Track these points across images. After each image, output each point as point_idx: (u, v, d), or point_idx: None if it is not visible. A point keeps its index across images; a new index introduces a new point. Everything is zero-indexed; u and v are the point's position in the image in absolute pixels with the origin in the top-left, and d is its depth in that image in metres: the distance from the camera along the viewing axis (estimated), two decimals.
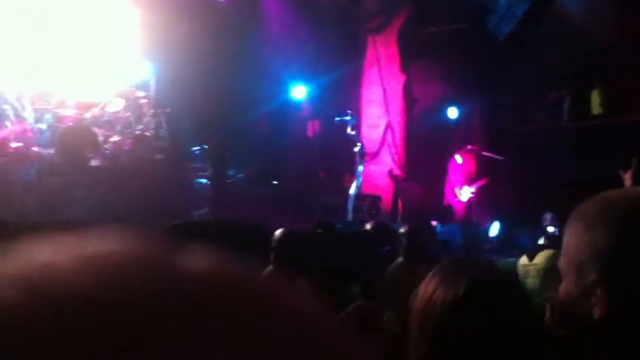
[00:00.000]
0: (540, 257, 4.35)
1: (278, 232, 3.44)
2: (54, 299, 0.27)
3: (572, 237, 0.90)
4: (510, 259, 5.91)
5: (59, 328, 0.26)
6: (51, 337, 0.26)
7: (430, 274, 1.17)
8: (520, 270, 4.72)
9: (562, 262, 0.93)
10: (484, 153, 9.66)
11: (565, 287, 0.91)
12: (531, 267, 4.45)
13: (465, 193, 9.38)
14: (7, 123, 7.22)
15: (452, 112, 10.45)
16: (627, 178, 3.40)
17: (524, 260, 4.65)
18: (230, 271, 0.32)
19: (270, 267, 3.25)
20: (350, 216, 8.77)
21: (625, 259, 0.84)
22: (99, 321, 0.26)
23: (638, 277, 0.84)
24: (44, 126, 7.31)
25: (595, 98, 9.96)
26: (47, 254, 0.29)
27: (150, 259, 0.30)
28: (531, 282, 4.38)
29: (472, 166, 9.57)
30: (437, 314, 1.11)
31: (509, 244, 7.61)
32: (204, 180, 8.61)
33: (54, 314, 0.26)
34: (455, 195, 9.43)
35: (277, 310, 0.30)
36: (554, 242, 4.51)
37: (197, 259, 0.31)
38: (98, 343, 0.26)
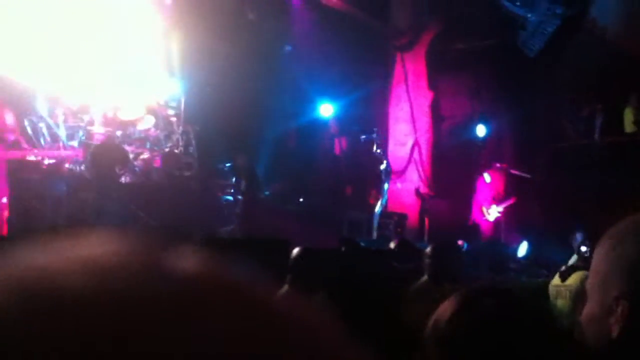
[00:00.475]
0: (573, 279, 4.25)
1: (295, 250, 3.43)
2: (47, 301, 0.27)
3: (600, 257, 0.89)
4: (540, 280, 5.80)
5: (52, 330, 0.26)
6: (45, 339, 0.26)
7: (448, 300, 1.15)
8: (552, 290, 4.61)
9: (589, 282, 0.92)
10: (513, 171, 9.52)
11: (589, 307, 0.89)
12: (563, 288, 4.35)
13: (493, 212, 9.24)
14: (42, 140, 7.43)
15: (481, 130, 10.35)
16: None
17: (556, 280, 4.54)
18: (218, 274, 0.32)
19: (286, 286, 3.24)
20: (375, 234, 8.72)
21: None
22: (91, 323, 0.26)
23: None
24: (75, 143, 7.49)
25: (629, 115, 9.75)
26: (41, 257, 0.29)
27: (140, 262, 0.31)
28: (561, 303, 4.27)
29: (500, 185, 9.44)
30: (450, 341, 1.10)
31: (538, 264, 7.46)
32: (230, 197, 8.69)
33: (47, 315, 0.27)
34: (482, 214, 9.30)
35: (262, 314, 0.30)
36: (587, 262, 4.41)
37: (186, 261, 0.31)
38: (90, 345, 0.26)
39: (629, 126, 9.69)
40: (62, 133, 7.50)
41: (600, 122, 10.11)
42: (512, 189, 9.45)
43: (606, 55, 10.14)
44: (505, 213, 9.29)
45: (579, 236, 7.80)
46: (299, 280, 3.21)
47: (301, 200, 9.95)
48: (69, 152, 7.48)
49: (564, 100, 10.57)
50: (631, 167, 8.91)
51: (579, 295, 3.90)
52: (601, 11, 10.14)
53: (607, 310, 0.84)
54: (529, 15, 9.60)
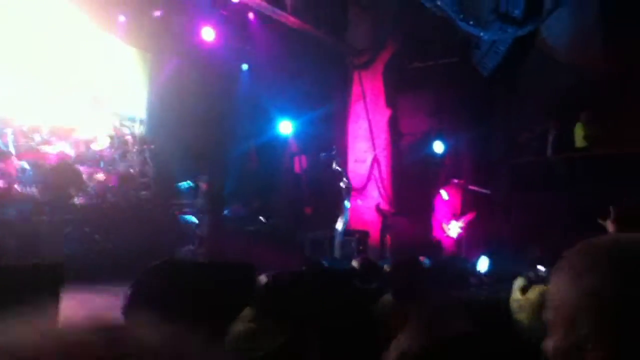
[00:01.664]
0: (533, 292, 4.30)
1: (261, 278, 3.34)
2: None
3: (560, 289, 0.86)
4: (501, 294, 5.85)
5: None
6: None
7: (410, 329, 1.12)
8: (514, 305, 4.65)
9: (549, 315, 0.88)
10: (471, 187, 9.66)
11: (556, 340, 0.86)
12: (524, 302, 4.39)
13: (454, 228, 9.33)
14: None
15: (439, 146, 10.49)
16: (609, 225, 3.37)
17: (516, 295, 4.59)
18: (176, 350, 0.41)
19: (250, 309, 3.15)
20: (337, 252, 8.68)
21: (621, 310, 0.79)
22: None
23: (634, 330, 0.79)
24: (25, 163, 7.22)
25: (579, 131, 10.05)
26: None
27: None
28: (524, 316, 4.31)
29: (458, 201, 9.55)
30: None
31: (499, 279, 7.54)
32: (190, 217, 8.53)
33: None
34: (443, 231, 9.38)
35: None
36: (545, 277, 4.47)
37: (152, 336, 0.40)
38: None
39: (579, 141, 9.97)
40: (12, 153, 7.22)
41: (552, 138, 10.38)
42: (471, 204, 9.57)
43: (557, 73, 10.47)
44: (466, 229, 9.39)
45: (534, 250, 7.95)
46: (266, 311, 3.12)
47: (262, 219, 9.85)
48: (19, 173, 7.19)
49: (520, 117, 10.83)
50: (583, 182, 9.17)
51: (540, 309, 3.93)
52: (550, 31, 10.48)
53: (576, 346, 0.82)
54: (482, 35, 9.83)
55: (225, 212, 9.20)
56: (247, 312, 3.11)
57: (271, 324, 2.94)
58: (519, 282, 4.22)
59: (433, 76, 10.73)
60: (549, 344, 0.86)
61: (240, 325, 3.00)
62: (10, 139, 7.22)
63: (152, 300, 3.96)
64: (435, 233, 9.44)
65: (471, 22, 9.58)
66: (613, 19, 10.01)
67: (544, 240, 7.76)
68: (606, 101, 9.90)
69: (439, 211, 9.50)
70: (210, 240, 8.13)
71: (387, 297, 4.00)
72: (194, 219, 8.50)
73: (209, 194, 8.51)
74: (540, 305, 3.96)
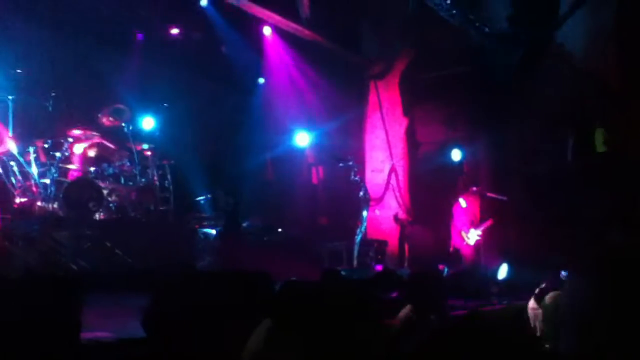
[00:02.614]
0: (548, 300, 4.26)
1: (278, 285, 3.37)
2: None
3: (577, 295, 0.86)
4: (521, 303, 5.79)
5: None
6: None
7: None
8: (530, 314, 4.61)
9: (564, 320, 0.89)
10: (488, 194, 9.61)
11: (570, 348, 0.86)
12: (539, 311, 4.36)
13: (473, 236, 9.28)
14: (13, 179, 7.27)
15: (456, 154, 10.45)
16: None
17: (532, 303, 4.55)
18: None
19: (267, 321, 3.17)
20: (355, 262, 8.67)
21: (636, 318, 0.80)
22: None
23: None
24: (48, 181, 7.34)
25: (599, 136, 9.96)
26: None
27: None
28: (540, 325, 4.28)
29: (476, 208, 9.51)
30: None
31: (518, 287, 7.47)
32: (209, 230, 8.59)
33: None
34: (462, 239, 9.33)
35: None
36: (559, 283, 4.43)
37: None
38: None
39: (599, 146, 9.88)
40: (34, 171, 7.35)
41: (572, 143, 10.30)
42: (489, 211, 9.52)
43: (574, 78, 10.39)
44: (484, 236, 9.33)
45: (552, 259, 7.85)
46: (282, 316, 3.13)
47: (280, 230, 9.89)
48: (41, 189, 7.32)
49: (537, 123, 10.76)
50: (603, 186, 9.06)
51: (555, 315, 3.91)
52: (567, 36, 10.42)
53: (592, 352, 0.82)
54: (497, 42, 9.82)
55: (244, 224, 9.25)
56: (266, 322, 3.13)
57: (288, 335, 2.95)
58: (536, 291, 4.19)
59: (448, 85, 10.72)
60: (564, 348, 0.87)
61: (258, 336, 3.02)
62: (32, 157, 7.36)
63: (172, 312, 4.00)
64: (454, 241, 9.40)
65: (486, 30, 9.58)
66: (629, 24, 9.93)
67: (564, 247, 7.68)
68: (624, 106, 9.80)
69: (458, 219, 9.47)
70: (226, 252, 8.18)
71: (407, 310, 3.98)
72: (212, 232, 8.56)
73: (224, 207, 8.59)
74: (554, 311, 3.92)
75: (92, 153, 7.89)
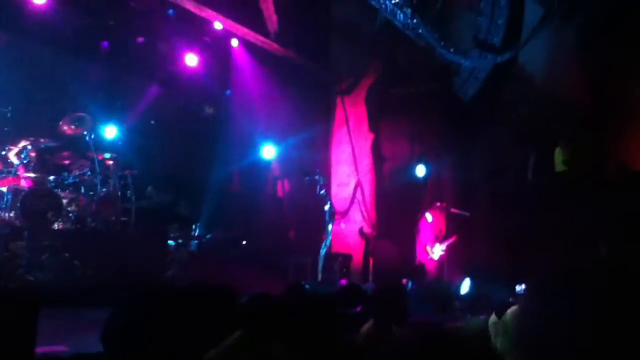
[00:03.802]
0: (509, 315, 4.32)
1: (246, 297, 3.34)
2: None
3: (518, 314, 0.87)
4: (482, 317, 5.86)
5: None
6: None
7: None
8: (492, 328, 4.66)
9: (517, 334, 0.89)
10: (453, 210, 9.75)
11: None
12: (500, 325, 4.41)
13: (437, 251, 9.38)
14: None
15: (421, 170, 10.58)
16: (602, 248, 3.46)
17: (493, 318, 4.60)
18: None
19: (239, 332, 3.13)
20: (320, 276, 8.65)
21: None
22: None
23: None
24: (4, 189, 7.11)
25: (559, 155, 10.21)
26: None
27: None
28: (500, 340, 4.32)
29: (442, 224, 9.63)
30: None
31: (481, 302, 7.57)
32: (171, 242, 8.46)
33: None
34: (427, 254, 9.42)
35: None
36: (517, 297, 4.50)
37: None
38: None
39: (559, 166, 10.13)
40: None
41: (532, 162, 10.54)
42: (453, 227, 9.65)
43: (537, 98, 10.67)
44: (448, 251, 9.44)
45: (512, 275, 7.99)
46: (252, 327, 3.10)
47: (244, 243, 9.80)
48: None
49: (501, 141, 10.98)
50: (563, 204, 9.28)
51: (514, 331, 3.93)
52: (529, 57, 10.70)
53: None
54: (463, 61, 10.02)
55: (208, 236, 9.15)
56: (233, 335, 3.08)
57: (252, 347, 2.91)
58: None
59: (414, 102, 10.87)
60: None
61: (220, 350, 2.97)
62: None
63: (131, 327, 3.90)
64: (419, 255, 9.48)
65: (451, 50, 9.77)
66: (590, 46, 10.25)
67: (523, 263, 7.82)
68: (585, 126, 10.09)
69: (423, 234, 9.57)
70: (191, 264, 8.06)
71: (371, 324, 3.98)
72: (174, 244, 8.43)
73: (186, 219, 8.49)
74: (514, 326, 3.97)
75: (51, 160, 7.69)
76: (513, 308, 4.20)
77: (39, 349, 3.54)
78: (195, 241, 8.68)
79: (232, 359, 2.92)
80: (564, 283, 0.86)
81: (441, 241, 9.45)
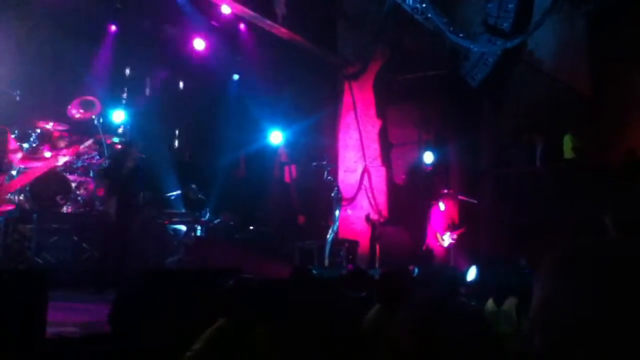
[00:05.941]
0: (507, 304, 4.31)
1: (230, 281, 3.34)
2: None
3: (537, 293, 0.88)
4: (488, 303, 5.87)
5: None
6: None
7: None
8: (490, 316, 4.65)
9: (535, 318, 0.90)
10: (460, 197, 9.75)
11: (537, 342, 0.87)
12: (501, 314, 4.40)
13: (447, 239, 9.41)
14: None
15: (428, 157, 10.56)
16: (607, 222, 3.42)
17: (491, 306, 4.60)
18: None
19: (222, 319, 3.15)
20: (327, 261, 8.69)
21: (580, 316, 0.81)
22: None
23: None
24: (14, 172, 7.16)
25: (568, 142, 10.15)
26: None
27: None
28: (502, 328, 4.32)
29: (454, 212, 9.64)
30: None
31: (487, 288, 7.57)
32: (179, 227, 8.50)
33: None
34: (437, 240, 9.45)
35: None
36: (525, 284, 4.48)
37: None
38: None
39: (568, 152, 10.08)
40: None
41: (540, 149, 10.49)
42: (464, 215, 9.65)
43: (545, 85, 10.60)
44: (457, 240, 9.46)
45: (519, 262, 8.00)
46: (234, 312, 3.11)
47: (251, 228, 9.84)
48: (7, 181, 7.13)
49: (507, 128, 10.93)
50: (571, 192, 9.25)
51: (514, 319, 3.95)
52: (538, 43, 10.61)
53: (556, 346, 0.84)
54: (472, 46, 9.94)
55: (215, 221, 9.18)
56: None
57: (236, 333, 2.93)
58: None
59: (422, 87, 10.82)
60: (533, 343, 0.88)
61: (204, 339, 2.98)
62: None
63: (138, 308, 3.95)
64: (429, 241, 9.50)
65: (461, 35, 9.69)
66: (599, 33, 10.16)
67: (530, 250, 7.80)
68: (592, 113, 10.02)
69: (435, 221, 9.58)
70: (197, 248, 8.11)
71: (377, 308, 4.00)
72: (182, 228, 8.47)
73: (194, 203, 8.51)
74: (515, 315, 3.97)
75: (61, 144, 7.72)
76: (512, 297, 4.18)
77: (49, 330, 3.59)
78: (203, 226, 8.71)
79: (215, 347, 2.93)
80: (580, 259, 0.87)
81: (452, 230, 9.47)
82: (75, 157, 7.30)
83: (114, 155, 7.57)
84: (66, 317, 4.71)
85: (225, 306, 3.09)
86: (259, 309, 3.01)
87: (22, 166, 6.78)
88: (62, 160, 6.41)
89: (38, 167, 6.34)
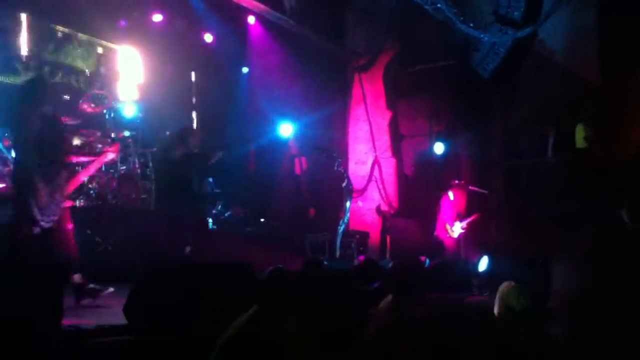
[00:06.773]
0: (503, 287, 4.28)
1: (266, 271, 3.38)
2: None
3: (566, 282, 0.88)
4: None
5: None
6: None
7: None
8: (510, 291, 4.63)
9: (553, 305, 0.91)
10: (471, 187, 9.71)
11: (561, 330, 0.88)
12: (496, 300, 4.38)
13: (457, 229, 9.38)
14: None
15: (439, 148, 10.52)
16: (624, 215, 3.40)
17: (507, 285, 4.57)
18: None
19: (255, 306, 3.18)
20: (338, 253, 8.71)
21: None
22: None
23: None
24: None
25: (580, 132, 10.08)
26: None
27: None
28: (498, 310, 4.30)
29: (462, 202, 9.59)
30: None
31: (498, 279, 7.55)
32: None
33: None
34: (446, 232, 9.42)
35: None
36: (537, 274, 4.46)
37: None
38: None
39: (580, 142, 10.01)
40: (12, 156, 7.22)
41: (552, 139, 10.42)
42: (474, 205, 9.61)
43: (556, 75, 10.51)
44: (467, 229, 9.42)
45: (530, 253, 7.96)
46: (269, 301, 3.14)
47: (262, 221, 9.87)
48: None
49: (519, 118, 10.86)
50: (584, 184, 9.18)
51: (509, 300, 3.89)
52: (548, 33, 10.52)
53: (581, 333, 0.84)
54: (483, 37, 9.86)
55: (226, 214, 9.23)
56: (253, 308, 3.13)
57: (272, 317, 2.95)
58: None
59: (432, 79, 10.76)
60: (555, 331, 0.89)
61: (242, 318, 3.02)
62: (10, 142, 7.21)
63: (153, 301, 3.99)
64: (439, 232, 9.48)
65: (471, 25, 9.62)
66: (611, 22, 10.04)
67: (541, 241, 7.79)
68: (603, 103, 9.93)
69: (445, 212, 9.56)
70: (209, 241, 8.13)
71: (389, 299, 4.01)
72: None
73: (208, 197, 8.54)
74: (508, 296, 3.88)
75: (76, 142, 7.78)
76: (507, 282, 4.10)
77: (65, 322, 3.64)
78: (213, 219, 8.75)
79: (247, 335, 2.97)
80: (604, 257, 0.88)
81: (461, 219, 9.43)
82: (117, 155, 7.24)
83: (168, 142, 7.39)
84: (82, 309, 4.76)
85: (259, 297, 3.12)
86: (293, 302, 3.04)
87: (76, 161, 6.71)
88: (110, 156, 6.36)
89: (92, 164, 6.29)
